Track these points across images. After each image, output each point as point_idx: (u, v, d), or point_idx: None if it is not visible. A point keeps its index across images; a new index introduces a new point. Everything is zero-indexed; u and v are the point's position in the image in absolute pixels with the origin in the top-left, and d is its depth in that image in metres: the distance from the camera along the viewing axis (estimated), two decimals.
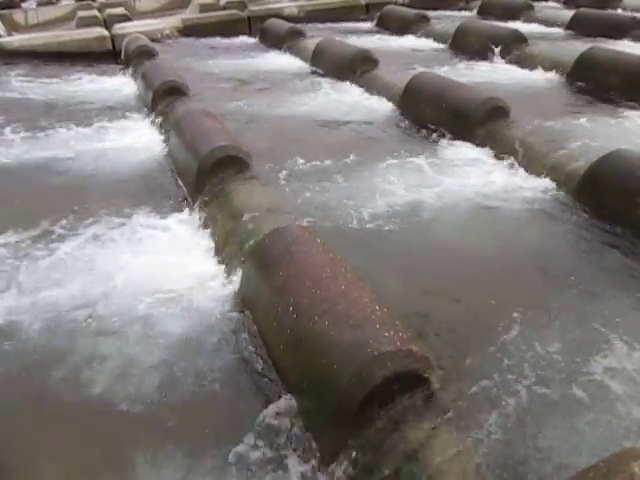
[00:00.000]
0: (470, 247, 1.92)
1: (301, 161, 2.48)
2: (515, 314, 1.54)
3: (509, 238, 1.99)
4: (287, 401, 1.32)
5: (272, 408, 1.32)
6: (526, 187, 2.31)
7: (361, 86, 3.76)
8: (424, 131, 2.94)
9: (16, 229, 2.12)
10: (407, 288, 1.70)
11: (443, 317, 1.57)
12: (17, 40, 5.55)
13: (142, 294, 1.75)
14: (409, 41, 5.29)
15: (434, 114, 2.98)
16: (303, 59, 4.59)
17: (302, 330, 1.36)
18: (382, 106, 3.38)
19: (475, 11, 6.58)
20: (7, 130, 3.23)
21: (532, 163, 2.47)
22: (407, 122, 3.10)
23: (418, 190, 2.27)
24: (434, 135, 2.86)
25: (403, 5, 6.60)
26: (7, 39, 5.74)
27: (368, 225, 2.02)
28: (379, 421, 1.23)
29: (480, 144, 2.70)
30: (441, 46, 4.99)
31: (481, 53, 4.47)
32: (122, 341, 1.58)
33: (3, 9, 9.87)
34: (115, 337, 1.59)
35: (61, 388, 1.44)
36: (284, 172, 2.37)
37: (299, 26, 5.45)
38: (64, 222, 2.18)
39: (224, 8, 6.83)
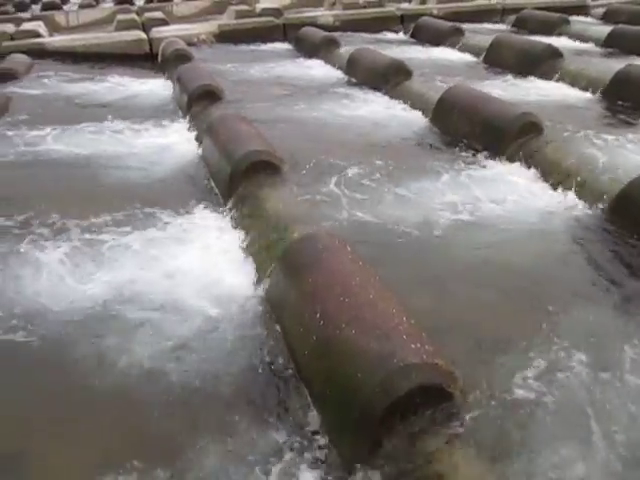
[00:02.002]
0: (501, 264, 1.90)
1: (332, 169, 2.50)
2: (550, 334, 1.52)
3: (541, 253, 1.97)
4: None
5: None
6: (555, 204, 2.28)
7: (394, 97, 3.77)
8: (456, 144, 2.93)
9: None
10: (438, 302, 1.70)
11: (473, 332, 1.56)
12: (58, 41, 5.71)
13: (174, 286, 1.81)
14: (443, 53, 5.29)
15: (466, 127, 2.97)
16: (337, 67, 4.63)
17: (328, 337, 1.37)
18: (414, 117, 3.39)
19: (510, 25, 6.54)
20: (47, 127, 3.33)
21: (564, 180, 2.44)
22: (439, 134, 3.09)
23: (448, 204, 2.26)
24: (466, 149, 2.85)
25: (438, 17, 6.59)
26: (49, 39, 5.91)
27: (399, 239, 2.03)
28: (400, 433, 1.23)
29: (512, 160, 2.68)
30: (475, 59, 4.97)
31: (515, 67, 4.44)
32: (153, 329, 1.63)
33: (46, 10, 10.16)
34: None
35: None
36: (316, 179, 2.39)
37: (334, 35, 5.49)
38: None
39: (260, 15, 6.92)
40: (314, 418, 1.37)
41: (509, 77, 4.28)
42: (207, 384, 1.47)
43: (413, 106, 3.54)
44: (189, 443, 1.29)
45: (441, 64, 4.78)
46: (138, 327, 1.66)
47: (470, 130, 2.95)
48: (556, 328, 1.55)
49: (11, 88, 4.24)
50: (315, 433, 1.33)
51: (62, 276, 1.88)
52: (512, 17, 6.61)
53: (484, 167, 2.65)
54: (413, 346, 1.28)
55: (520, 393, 1.34)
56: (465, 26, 5.85)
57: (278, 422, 1.36)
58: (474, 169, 2.62)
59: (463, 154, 2.81)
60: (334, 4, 8.35)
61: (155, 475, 1.22)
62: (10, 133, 3.25)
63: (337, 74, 4.48)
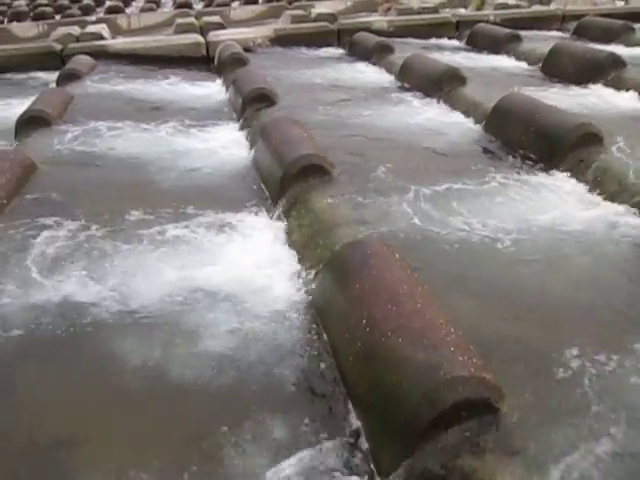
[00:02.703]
0: (557, 282, 1.84)
1: (384, 176, 2.48)
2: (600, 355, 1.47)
3: (597, 274, 1.90)
4: None
5: None
6: (612, 217, 2.20)
7: (447, 103, 3.72)
8: (510, 153, 2.86)
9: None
10: (484, 314, 1.66)
11: (521, 347, 1.52)
12: (119, 43, 5.92)
13: (222, 284, 1.85)
14: (499, 60, 5.18)
15: (522, 137, 2.90)
16: (390, 73, 4.61)
17: (374, 344, 1.36)
18: (467, 125, 3.34)
19: (570, 32, 6.35)
20: (105, 125, 3.45)
21: (622, 193, 2.35)
22: (493, 143, 3.03)
23: (501, 216, 2.21)
24: (520, 158, 2.78)
25: (495, 24, 6.47)
26: (111, 42, 6.13)
27: (448, 247, 2.00)
28: (442, 445, 1.21)
29: (569, 171, 2.60)
30: (532, 67, 4.85)
31: (575, 76, 4.30)
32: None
33: (109, 14, 10.57)
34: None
35: None
36: (366, 185, 2.38)
37: (388, 40, 5.47)
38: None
39: (315, 20, 6.99)
40: (354, 424, 1.36)
41: (568, 86, 4.15)
42: (247, 382, 1.49)
43: (467, 113, 3.49)
44: (228, 442, 1.31)
45: (497, 71, 4.68)
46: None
47: (525, 139, 2.88)
48: (622, 350, 1.48)
49: (74, 87, 4.43)
50: (354, 438, 1.33)
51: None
52: (572, 24, 6.42)
53: (538, 177, 2.58)
54: (461, 358, 1.26)
55: (570, 407, 1.29)
56: (523, 33, 5.72)
57: (317, 425, 1.37)
58: (528, 179, 2.55)
59: (517, 164, 2.74)
60: (389, 9, 8.34)
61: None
62: (70, 130, 3.39)
63: (390, 79, 4.46)
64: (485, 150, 2.97)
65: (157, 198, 2.51)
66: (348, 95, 4.01)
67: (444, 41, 6.22)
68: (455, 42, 6.21)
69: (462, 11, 8.05)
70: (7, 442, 1.34)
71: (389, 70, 4.71)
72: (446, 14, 7.10)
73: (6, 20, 11.69)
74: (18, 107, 3.86)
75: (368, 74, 4.77)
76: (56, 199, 2.49)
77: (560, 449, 1.19)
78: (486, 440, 1.21)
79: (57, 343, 1.65)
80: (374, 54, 5.18)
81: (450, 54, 5.37)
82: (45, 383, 1.53)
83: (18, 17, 11.69)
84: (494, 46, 5.59)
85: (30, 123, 3.41)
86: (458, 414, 1.21)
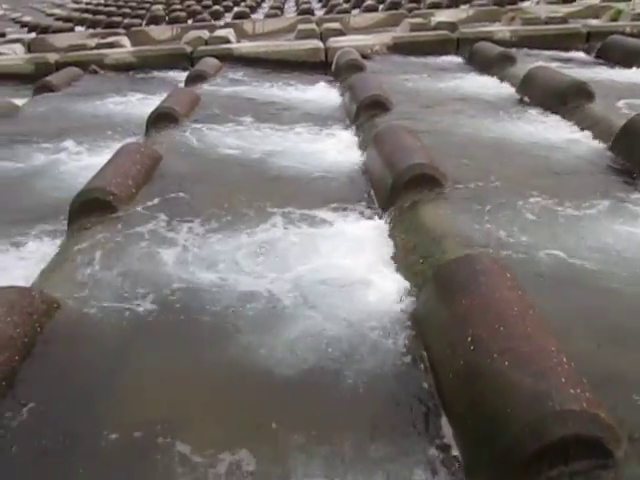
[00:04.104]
0: None
1: (496, 191, 2.39)
2: None
3: None
4: None
5: None
6: None
7: (571, 120, 3.51)
8: (638, 177, 2.64)
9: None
10: (599, 347, 1.55)
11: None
12: (244, 47, 6.21)
13: (321, 284, 1.90)
14: (634, 75, 4.81)
15: None
16: (511, 85, 4.43)
17: (478, 364, 1.31)
18: (593, 144, 3.12)
19: None
20: (228, 123, 3.64)
21: None
22: (622, 166, 2.81)
23: (620, 238, 2.06)
24: None
25: (632, 35, 6.01)
26: (236, 45, 6.46)
27: (563, 269, 1.89)
28: None
29: None
30: None
31: None
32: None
33: (236, 19, 11.13)
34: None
35: None
36: (478, 199, 2.31)
37: (510, 51, 5.27)
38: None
39: (435, 28, 6.89)
40: (450, 442, 1.33)
41: None
42: (344, 383, 1.50)
43: (592, 132, 3.26)
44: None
45: (630, 87, 4.34)
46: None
47: None
48: None
49: (201, 88, 4.71)
50: (448, 458, 1.29)
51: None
52: None
53: None
54: (572, 391, 1.18)
55: None
56: None
57: (411, 438, 1.35)
58: None
59: None
60: (513, 19, 8.03)
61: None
62: (196, 127, 3.61)
63: (510, 91, 4.29)
64: (608, 171, 2.76)
65: (267, 194, 2.60)
66: (465, 106, 3.92)
67: (572, 53, 5.88)
68: (584, 55, 5.86)
69: (594, 22, 7.56)
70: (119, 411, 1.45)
71: (510, 82, 4.53)
72: (576, 24, 6.70)
73: (144, 23, 12.68)
74: (150, 103, 4.19)
75: (487, 85, 4.62)
76: (179, 190, 2.67)
77: None
78: None
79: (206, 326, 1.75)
80: (495, 65, 5.01)
81: (578, 67, 5.07)
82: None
83: (155, 20, 12.65)
84: (629, 59, 5.18)
85: (160, 119, 3.68)
86: (565, 451, 1.13)
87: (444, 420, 1.38)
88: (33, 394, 1.49)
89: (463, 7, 10.74)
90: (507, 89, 4.39)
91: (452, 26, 6.94)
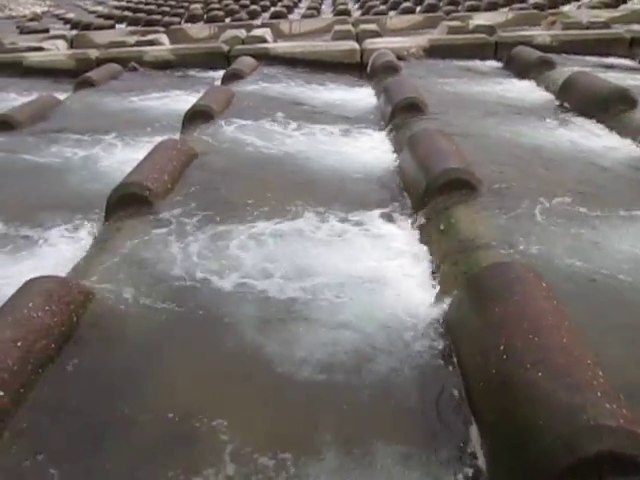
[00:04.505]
0: None
1: (534, 197, 2.34)
2: None
3: None
4: None
5: None
6: None
7: (612, 128, 3.42)
8: None
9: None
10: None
11: None
12: (280, 47, 6.24)
13: (352, 285, 1.91)
14: None
15: None
16: (550, 91, 4.35)
17: (510, 373, 1.29)
18: (634, 153, 3.04)
19: None
20: (260, 121, 3.66)
21: None
22: None
23: None
24: None
25: None
26: (272, 45, 6.50)
27: (596, 281, 1.84)
28: None
29: None
30: None
31: None
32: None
33: (273, 19, 11.20)
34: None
35: None
36: (514, 206, 2.27)
37: (550, 56, 5.17)
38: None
39: (472, 32, 6.82)
40: (477, 451, 1.31)
41: None
42: (374, 383, 1.50)
43: (635, 140, 3.18)
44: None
45: None
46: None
47: None
48: None
49: (236, 86, 4.75)
50: (474, 466, 1.28)
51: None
52: None
53: None
54: (608, 406, 1.15)
55: None
56: None
57: (438, 444, 1.33)
58: None
59: None
60: (554, 23, 7.88)
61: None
62: (230, 125, 3.65)
63: (549, 97, 4.21)
64: None
65: (300, 194, 2.61)
66: (501, 111, 3.86)
67: (614, 59, 5.73)
68: (627, 61, 5.71)
69: (638, 27, 7.35)
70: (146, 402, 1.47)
71: (549, 87, 4.45)
72: (619, 30, 6.54)
73: (183, 21, 12.88)
74: (188, 100, 4.26)
75: (525, 90, 4.55)
76: (213, 187, 2.71)
77: None
78: None
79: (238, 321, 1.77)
80: (533, 69, 4.92)
81: (620, 73, 4.94)
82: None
83: (194, 19, 12.85)
84: None
85: (196, 116, 3.73)
86: (599, 468, 1.11)
87: (473, 428, 1.36)
88: (70, 382, 1.53)
89: (502, 10, 10.60)
90: (546, 94, 4.31)
91: (490, 29, 6.86)
